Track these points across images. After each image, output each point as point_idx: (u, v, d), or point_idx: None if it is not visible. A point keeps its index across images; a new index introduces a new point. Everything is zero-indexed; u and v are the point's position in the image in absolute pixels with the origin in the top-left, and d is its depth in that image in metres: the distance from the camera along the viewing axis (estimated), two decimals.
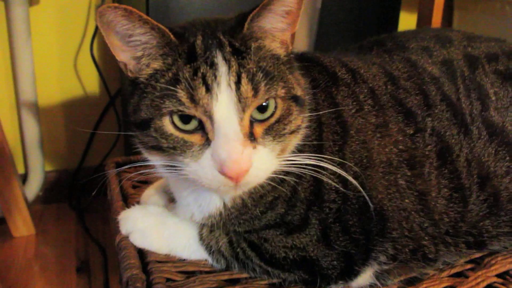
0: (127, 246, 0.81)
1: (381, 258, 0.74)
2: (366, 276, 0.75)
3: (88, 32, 1.76)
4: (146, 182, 1.04)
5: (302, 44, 1.48)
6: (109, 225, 1.78)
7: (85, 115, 1.84)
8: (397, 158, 0.77)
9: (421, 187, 0.77)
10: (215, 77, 0.62)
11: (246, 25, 0.66)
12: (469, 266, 0.82)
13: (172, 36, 0.65)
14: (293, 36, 0.73)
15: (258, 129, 0.65)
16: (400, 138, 0.78)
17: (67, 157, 1.89)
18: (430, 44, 0.93)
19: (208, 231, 0.79)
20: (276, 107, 0.66)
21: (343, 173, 0.71)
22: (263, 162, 0.65)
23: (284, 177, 0.73)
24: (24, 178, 1.82)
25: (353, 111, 0.78)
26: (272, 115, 0.65)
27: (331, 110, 0.77)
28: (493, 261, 0.82)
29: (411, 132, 0.79)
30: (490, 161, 0.81)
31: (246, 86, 0.63)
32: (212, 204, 0.76)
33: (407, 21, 1.88)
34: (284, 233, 0.75)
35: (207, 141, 0.64)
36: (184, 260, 0.81)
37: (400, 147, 0.77)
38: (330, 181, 0.73)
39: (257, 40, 0.67)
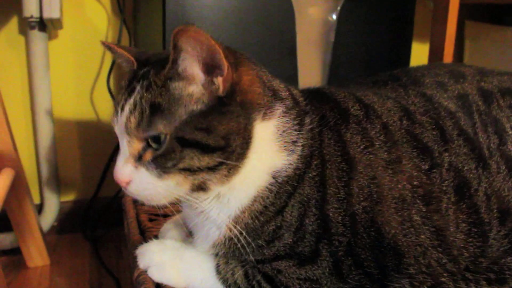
0: (145, 281, 0.82)
1: None
2: None
3: (104, 65, 1.80)
4: (164, 215, 1.05)
5: (316, 77, 1.50)
6: (123, 257, 1.78)
7: (100, 146, 1.86)
8: (411, 194, 0.77)
9: (439, 223, 0.76)
10: (125, 102, 0.73)
11: (168, 64, 0.71)
12: None
13: (135, 64, 0.79)
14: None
15: (148, 155, 0.72)
16: (415, 173, 0.78)
17: (82, 187, 1.91)
18: (444, 79, 0.94)
19: (224, 262, 0.80)
20: (164, 142, 0.71)
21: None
22: (142, 182, 0.73)
23: (283, 209, 0.76)
24: (39, 208, 1.83)
25: (362, 147, 0.78)
26: (159, 148, 0.71)
27: (336, 147, 0.79)
28: None
29: (427, 167, 0.79)
30: (510, 196, 0.80)
31: (131, 118, 0.71)
32: (212, 233, 0.79)
33: (419, 52, 1.90)
34: (297, 265, 0.76)
35: None
36: None
37: (415, 183, 0.77)
38: (336, 215, 0.74)
39: (178, 80, 0.72)
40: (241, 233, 0.76)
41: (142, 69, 0.76)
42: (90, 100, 1.83)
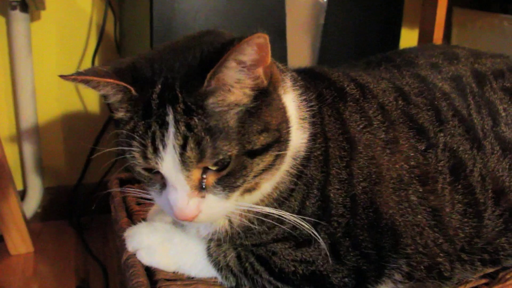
0: (134, 264, 0.80)
1: (396, 276, 0.73)
2: None
3: (89, 48, 1.75)
4: (151, 199, 1.03)
5: (305, 59, 1.48)
6: (109, 243, 1.75)
7: (85, 131, 1.82)
8: (408, 174, 0.76)
9: (435, 203, 0.76)
10: (163, 137, 0.63)
11: (205, 82, 0.63)
12: (483, 281, 0.81)
13: (133, 90, 0.66)
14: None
15: (210, 178, 0.65)
16: (412, 154, 0.77)
17: (67, 173, 1.87)
18: (438, 61, 0.93)
19: (216, 245, 0.78)
20: (229, 162, 0.64)
21: (304, 225, 0.70)
22: (212, 208, 0.67)
23: (291, 193, 0.73)
24: (22, 195, 1.79)
25: (361, 126, 0.77)
26: (224, 168, 0.65)
27: (337, 125, 0.76)
28: (507, 276, 0.81)
29: (423, 148, 0.78)
30: (504, 176, 0.80)
31: (190, 152, 0.62)
32: (217, 222, 0.75)
33: (408, 37, 1.89)
34: (293, 247, 0.74)
35: (165, 184, 0.68)
36: (193, 278, 0.79)
37: (412, 163, 0.77)
38: (337, 196, 0.73)
39: (215, 95, 0.63)
40: (252, 223, 0.73)
41: (153, 93, 0.65)
42: (74, 84, 1.78)
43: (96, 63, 1.71)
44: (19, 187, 1.80)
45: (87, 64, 1.74)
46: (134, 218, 0.98)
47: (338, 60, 1.03)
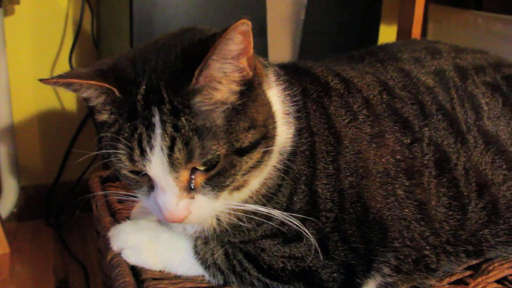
0: (120, 263, 0.78)
1: (385, 270, 0.73)
2: None
3: (65, 43, 1.72)
4: (133, 196, 1.01)
5: (286, 55, 1.48)
6: (88, 242, 1.73)
7: (62, 128, 1.79)
8: (395, 168, 0.76)
9: (421, 197, 0.76)
10: (150, 138, 0.62)
11: (193, 80, 0.61)
12: (468, 273, 0.82)
13: (117, 92, 0.64)
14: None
15: (199, 179, 0.65)
16: (397, 148, 0.77)
17: (43, 172, 1.83)
18: (421, 55, 0.94)
19: (203, 243, 0.77)
20: (217, 161, 0.63)
21: (292, 222, 0.70)
22: (202, 209, 0.66)
23: (279, 189, 0.72)
24: None
25: (346, 121, 0.77)
26: (212, 168, 0.64)
27: (322, 120, 0.76)
28: (490, 267, 0.82)
29: (408, 141, 0.78)
30: (487, 170, 0.81)
31: (178, 153, 0.61)
32: (205, 220, 0.74)
33: (387, 33, 1.91)
34: (281, 243, 0.74)
35: (152, 186, 0.67)
36: (180, 276, 0.78)
37: (398, 157, 0.77)
38: (325, 191, 0.72)
39: (202, 93, 0.62)
40: (241, 220, 0.72)
41: (138, 94, 0.63)
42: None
43: (73, 60, 1.68)
44: None
45: (63, 61, 1.71)
46: (117, 216, 0.96)
47: (319, 56, 1.03)
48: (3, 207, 1.73)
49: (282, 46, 1.50)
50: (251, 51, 0.64)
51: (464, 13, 2.00)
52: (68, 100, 1.80)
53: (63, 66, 1.69)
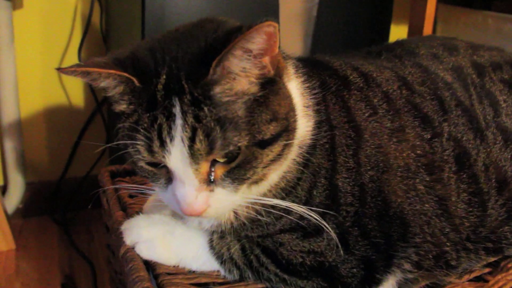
0: (134, 258, 0.77)
1: (405, 266, 0.72)
2: (389, 285, 0.73)
3: (73, 38, 1.71)
4: (143, 192, 1.00)
5: (298, 51, 1.48)
6: (95, 239, 1.72)
7: (69, 123, 1.78)
8: (415, 163, 0.75)
9: (441, 192, 0.76)
10: (170, 129, 0.61)
11: (210, 70, 0.61)
12: (486, 270, 0.81)
13: (136, 81, 0.63)
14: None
15: (219, 171, 0.64)
16: (418, 143, 0.77)
17: (49, 168, 1.81)
18: (439, 51, 0.93)
19: (219, 237, 0.76)
20: (238, 153, 0.63)
21: (312, 216, 0.69)
22: (221, 202, 0.65)
23: (298, 182, 0.71)
24: (3, 190, 1.74)
25: (366, 115, 0.76)
26: (233, 160, 0.63)
27: (342, 113, 0.75)
28: (509, 265, 0.82)
29: (429, 137, 0.78)
30: (507, 166, 0.81)
31: (199, 144, 0.60)
32: (223, 214, 0.73)
33: (398, 33, 1.90)
34: (300, 237, 0.73)
35: (170, 178, 0.66)
36: (194, 271, 0.77)
37: (418, 152, 0.76)
38: (345, 185, 0.72)
39: (221, 83, 0.62)
40: (259, 214, 0.71)
41: (158, 84, 0.62)
42: (58, 75, 1.74)
43: (83, 53, 1.67)
44: (0, 182, 1.74)
45: (72, 56, 1.70)
46: (128, 211, 0.95)
47: (332, 52, 1.03)
48: (9, 203, 1.72)
49: (294, 43, 1.49)
50: (276, 50, 0.64)
51: (473, 14, 1.99)
52: (75, 95, 1.79)
53: (71, 61, 1.68)
